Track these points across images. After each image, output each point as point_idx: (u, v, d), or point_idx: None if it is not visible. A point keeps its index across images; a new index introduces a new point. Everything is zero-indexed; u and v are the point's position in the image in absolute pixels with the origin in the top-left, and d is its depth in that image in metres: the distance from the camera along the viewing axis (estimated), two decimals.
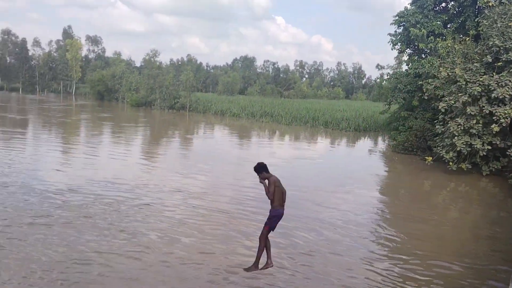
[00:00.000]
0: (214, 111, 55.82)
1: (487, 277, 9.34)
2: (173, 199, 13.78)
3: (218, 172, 19.21)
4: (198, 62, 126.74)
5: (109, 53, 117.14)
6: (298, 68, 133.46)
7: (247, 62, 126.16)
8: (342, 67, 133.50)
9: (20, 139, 25.59)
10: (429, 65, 26.48)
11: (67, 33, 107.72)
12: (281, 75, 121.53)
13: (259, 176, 7.49)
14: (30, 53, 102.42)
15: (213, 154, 24.79)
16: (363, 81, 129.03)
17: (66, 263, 8.54)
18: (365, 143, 36.58)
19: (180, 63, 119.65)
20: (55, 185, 14.38)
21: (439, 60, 24.57)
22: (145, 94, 63.59)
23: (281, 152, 26.83)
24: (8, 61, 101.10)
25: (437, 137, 22.98)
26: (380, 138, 39.28)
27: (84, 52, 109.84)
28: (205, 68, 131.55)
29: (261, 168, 7.48)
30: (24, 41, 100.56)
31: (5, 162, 17.66)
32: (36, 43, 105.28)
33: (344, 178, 19.78)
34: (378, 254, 10.26)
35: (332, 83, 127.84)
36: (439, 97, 22.92)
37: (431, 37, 29.55)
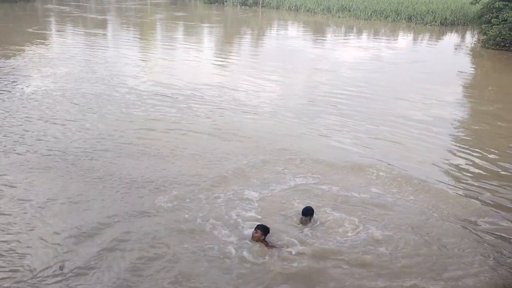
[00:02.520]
0: (288, 6, 53.66)
1: None
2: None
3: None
4: None
5: None
6: None
7: None
8: None
9: (105, 40, 26.95)
10: None
11: None
12: None
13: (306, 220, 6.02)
14: None
15: (308, 57, 24.51)
16: None
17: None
18: (451, 38, 33.85)
19: None
20: (148, 86, 15.40)
21: None
22: None
23: (360, 52, 25.81)
24: None
25: None
26: (469, 33, 36.03)
27: None
28: None
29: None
30: None
31: (98, 63, 18.96)
32: None
33: (424, 75, 18.86)
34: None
35: None
36: None
37: None
